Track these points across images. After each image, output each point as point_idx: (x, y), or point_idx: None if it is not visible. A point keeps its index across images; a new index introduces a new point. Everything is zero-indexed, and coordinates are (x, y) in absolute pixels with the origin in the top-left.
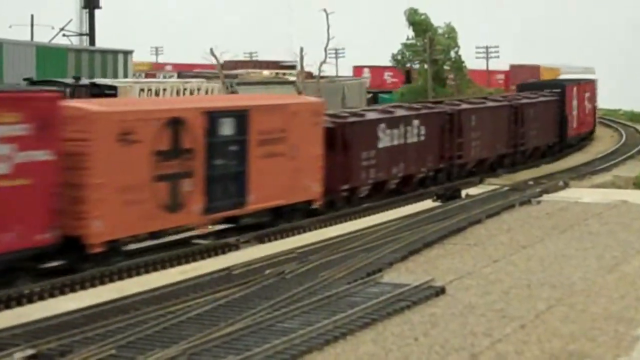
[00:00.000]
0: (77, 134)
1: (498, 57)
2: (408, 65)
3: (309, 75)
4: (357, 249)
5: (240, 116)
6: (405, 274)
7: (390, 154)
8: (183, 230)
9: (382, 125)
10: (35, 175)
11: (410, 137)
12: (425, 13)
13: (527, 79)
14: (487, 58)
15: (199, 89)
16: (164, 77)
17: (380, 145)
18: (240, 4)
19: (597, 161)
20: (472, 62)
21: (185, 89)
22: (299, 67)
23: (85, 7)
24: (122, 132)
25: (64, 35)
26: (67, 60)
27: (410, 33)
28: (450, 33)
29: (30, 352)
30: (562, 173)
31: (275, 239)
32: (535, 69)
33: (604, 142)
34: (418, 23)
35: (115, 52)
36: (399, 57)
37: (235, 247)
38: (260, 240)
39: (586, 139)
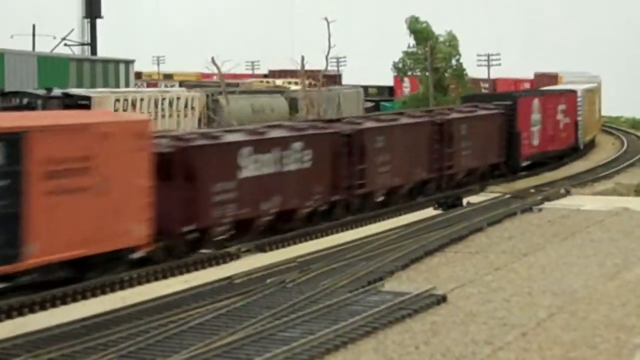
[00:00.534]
0: None
1: (500, 64)
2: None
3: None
4: (358, 258)
5: (11, 140)
6: (407, 283)
7: (258, 186)
8: None
9: (246, 150)
10: None
11: (289, 164)
12: (426, 21)
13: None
14: (489, 66)
15: (178, 98)
16: (165, 86)
17: (244, 174)
18: (241, 13)
19: (598, 168)
20: (474, 69)
21: (163, 99)
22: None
23: (86, 16)
24: None
25: (65, 45)
26: (68, 70)
27: (412, 41)
28: (452, 41)
29: None
30: (563, 180)
31: (277, 247)
32: (552, 77)
33: (605, 149)
34: (419, 31)
35: (116, 62)
36: (400, 66)
37: (236, 256)
38: (261, 249)
39: (564, 156)
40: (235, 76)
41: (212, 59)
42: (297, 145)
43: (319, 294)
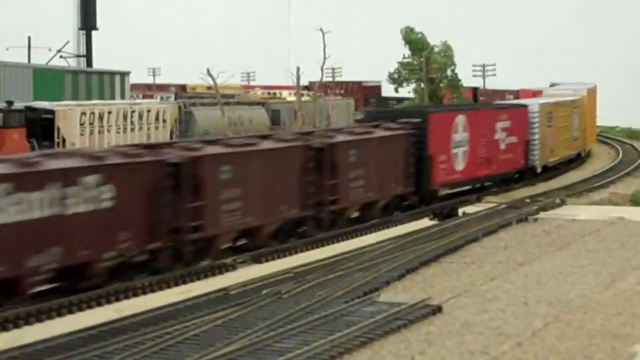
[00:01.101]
0: None
1: (495, 75)
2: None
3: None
4: (353, 269)
5: None
6: (402, 293)
7: (23, 235)
8: None
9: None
10: None
11: (76, 205)
12: (421, 32)
13: None
14: (484, 76)
15: (148, 111)
16: (161, 98)
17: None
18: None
19: (594, 178)
20: (470, 80)
21: (133, 112)
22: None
23: (82, 28)
24: None
25: (61, 57)
26: (64, 81)
27: (407, 52)
28: (447, 51)
29: None
30: (559, 190)
31: (272, 259)
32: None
33: (601, 159)
34: (414, 42)
35: (112, 73)
36: (396, 76)
37: (232, 267)
38: (257, 260)
39: (509, 180)
40: (271, 87)
41: (208, 70)
42: (91, 179)
43: (315, 305)
